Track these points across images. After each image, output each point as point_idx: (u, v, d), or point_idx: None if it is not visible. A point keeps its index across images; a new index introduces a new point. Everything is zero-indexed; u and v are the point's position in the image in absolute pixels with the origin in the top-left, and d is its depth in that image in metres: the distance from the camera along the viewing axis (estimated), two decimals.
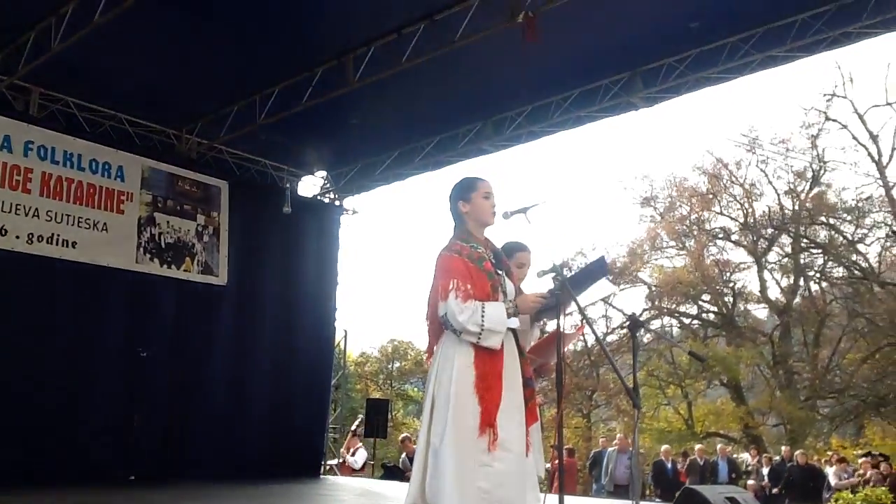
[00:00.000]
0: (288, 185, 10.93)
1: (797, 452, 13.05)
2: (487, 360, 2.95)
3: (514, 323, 3.05)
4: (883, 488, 5.60)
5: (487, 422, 2.88)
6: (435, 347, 3.11)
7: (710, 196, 24.78)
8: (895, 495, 5.77)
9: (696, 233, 24.93)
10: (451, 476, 2.81)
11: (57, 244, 8.40)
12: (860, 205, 22.66)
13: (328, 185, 12.01)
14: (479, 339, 2.93)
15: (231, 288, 10.02)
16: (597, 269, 3.39)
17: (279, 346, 10.39)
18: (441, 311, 2.99)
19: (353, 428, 13.43)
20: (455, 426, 2.86)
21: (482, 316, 2.92)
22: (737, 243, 24.89)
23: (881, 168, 21.71)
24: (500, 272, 3.16)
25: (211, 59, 8.31)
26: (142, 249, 9.21)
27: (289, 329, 10.60)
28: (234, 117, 9.40)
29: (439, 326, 3.06)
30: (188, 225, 9.76)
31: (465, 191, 3.24)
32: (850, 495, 5.05)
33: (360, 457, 12.49)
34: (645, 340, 23.45)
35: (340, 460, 12.33)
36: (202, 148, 9.97)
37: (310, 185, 12.00)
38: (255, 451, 9.80)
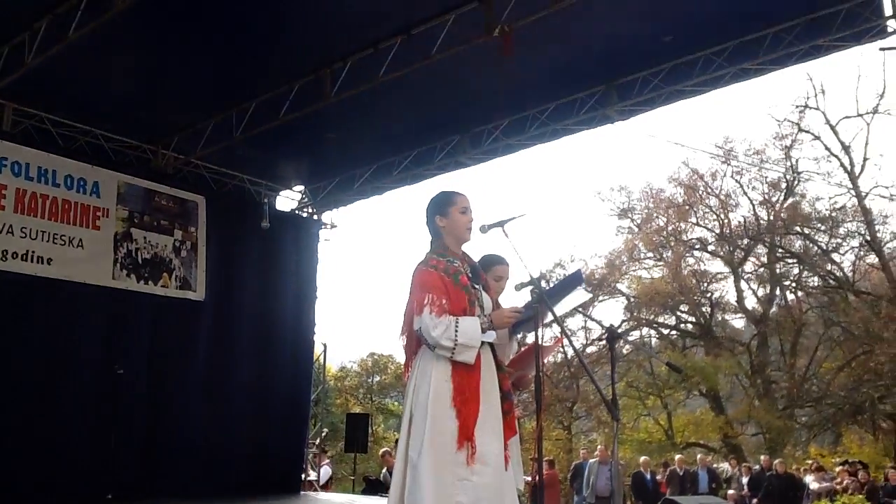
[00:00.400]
0: (266, 200, 10.90)
1: (776, 461, 13.12)
2: (464, 374, 2.95)
3: (490, 337, 3.05)
4: (860, 496, 5.66)
5: (465, 436, 2.87)
6: (412, 362, 3.10)
7: (687, 207, 25.01)
8: (872, 502, 5.84)
9: (673, 244, 25.13)
10: (429, 490, 2.80)
11: (32, 261, 8.30)
12: (834, 215, 22.96)
13: (306, 200, 11.98)
14: (453, 353, 2.93)
15: (209, 303, 9.95)
16: (573, 280, 3.40)
17: (257, 361, 10.32)
18: (416, 326, 3.00)
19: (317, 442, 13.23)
20: (432, 440, 2.85)
21: (455, 331, 2.92)
22: (713, 254, 25.12)
23: (853, 178, 22.01)
24: (476, 286, 3.17)
25: (186, 74, 8.28)
26: (118, 265, 9.13)
27: (267, 344, 10.53)
28: (210, 132, 9.36)
29: (416, 341, 3.06)
30: (165, 240, 9.69)
31: (442, 205, 3.24)
32: (829, 503, 5.07)
33: (324, 473, 12.36)
34: (624, 351, 23.58)
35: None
36: (178, 163, 9.91)
37: (287, 199, 11.99)
38: (233, 467, 9.70)
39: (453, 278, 3.07)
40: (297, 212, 12.02)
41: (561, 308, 3.36)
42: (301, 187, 11.94)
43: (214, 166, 10.35)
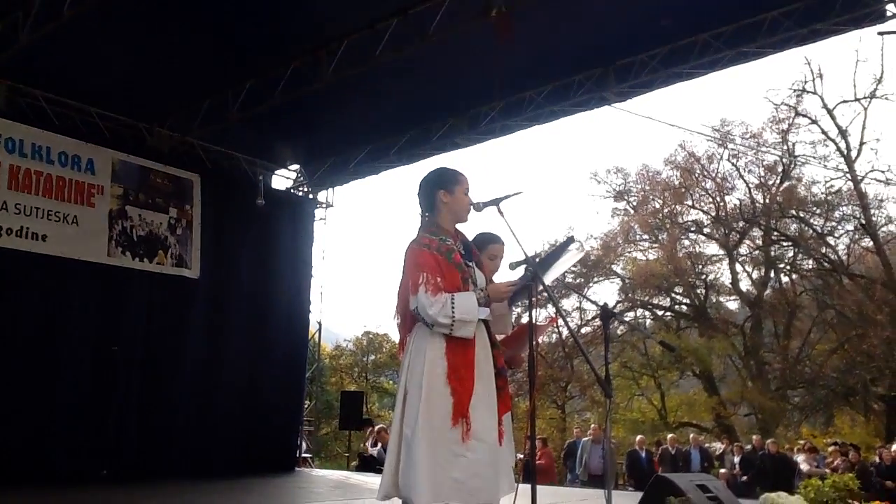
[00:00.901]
0: (262, 178, 10.86)
1: (768, 441, 13.24)
2: (459, 351, 2.97)
3: (484, 313, 3.06)
4: (850, 475, 5.76)
5: (460, 412, 2.89)
6: (407, 340, 3.11)
7: (683, 190, 25.00)
8: (862, 482, 5.95)
9: (668, 226, 25.15)
10: (424, 467, 2.82)
11: (27, 237, 8.31)
12: (829, 198, 22.97)
13: (302, 179, 11.98)
14: (452, 330, 2.93)
15: (204, 281, 9.97)
16: (564, 245, 3.36)
17: (253, 340, 10.36)
18: (412, 305, 2.99)
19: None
20: (428, 417, 2.87)
21: (452, 307, 2.92)
22: (709, 236, 25.15)
23: (850, 162, 22.02)
24: (469, 264, 3.17)
25: (183, 53, 8.23)
26: (113, 242, 9.13)
27: (262, 322, 10.57)
28: (206, 110, 9.34)
29: (410, 319, 3.07)
30: (160, 218, 9.69)
31: (447, 182, 3.20)
32: (819, 482, 5.16)
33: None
34: (619, 332, 23.68)
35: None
36: (174, 141, 9.87)
37: (283, 178, 11.98)
38: (229, 445, 9.77)
39: (446, 256, 3.07)
40: (292, 191, 12.02)
41: (557, 271, 3.35)
42: (297, 167, 11.92)
43: (210, 145, 10.31)
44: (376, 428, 13.34)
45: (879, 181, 21.94)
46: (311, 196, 12.02)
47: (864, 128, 21.83)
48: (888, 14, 8.04)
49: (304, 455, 11.52)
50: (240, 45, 8.21)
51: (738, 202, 24.36)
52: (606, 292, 26.05)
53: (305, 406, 12.04)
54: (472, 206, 3.21)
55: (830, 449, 12.94)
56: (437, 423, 2.87)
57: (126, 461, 8.75)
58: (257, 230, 10.65)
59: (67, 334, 8.57)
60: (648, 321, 26.19)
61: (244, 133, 10.03)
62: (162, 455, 9.12)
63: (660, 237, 25.37)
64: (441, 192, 3.18)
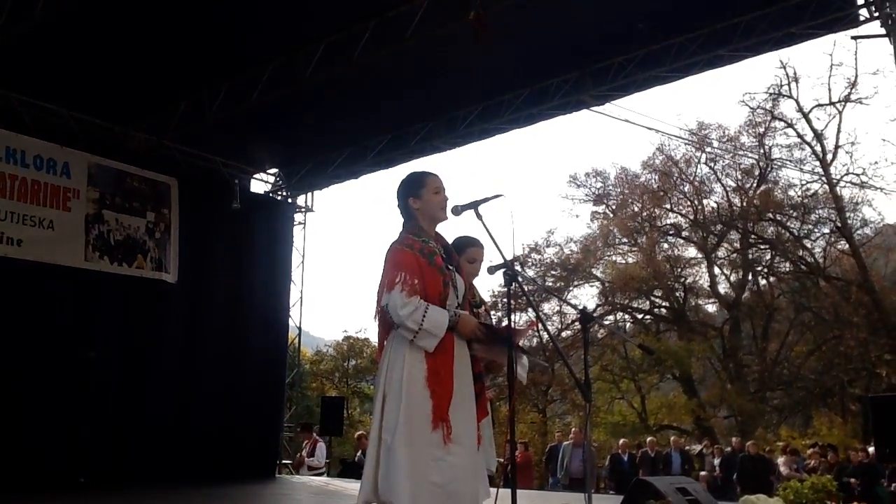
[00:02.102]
0: (237, 181, 10.78)
1: (748, 443, 13.32)
2: (439, 355, 2.94)
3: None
4: (828, 476, 5.80)
5: (440, 416, 2.87)
6: (385, 343, 3.08)
7: (661, 193, 25.15)
8: (840, 482, 6.03)
9: (647, 229, 25.28)
10: (404, 471, 2.79)
11: (2, 242, 8.18)
12: (805, 201, 23.19)
13: (280, 183, 11.92)
14: (415, 337, 2.91)
15: (183, 286, 9.89)
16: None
17: (232, 345, 10.29)
18: (384, 302, 2.97)
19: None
20: (407, 421, 2.85)
21: (423, 316, 2.90)
22: (687, 239, 25.31)
23: (825, 165, 22.23)
24: (450, 267, 3.15)
25: (159, 54, 8.14)
26: (90, 247, 9.03)
27: (241, 327, 10.49)
28: (182, 113, 9.25)
29: (389, 321, 3.05)
30: (138, 222, 9.59)
31: (414, 187, 3.20)
32: (798, 483, 5.20)
33: (320, 453, 12.17)
34: (599, 336, 23.74)
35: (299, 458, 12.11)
36: (150, 144, 9.77)
37: (262, 182, 11.91)
38: (209, 451, 9.66)
39: (428, 258, 3.05)
40: (270, 195, 11.95)
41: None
42: (275, 170, 11.86)
43: (187, 148, 10.22)
44: (356, 434, 13.26)
45: (854, 184, 22.19)
46: (289, 200, 11.96)
47: (839, 131, 22.08)
48: (861, 18, 8.12)
49: (283, 461, 11.43)
50: (216, 47, 8.15)
51: (715, 205, 24.56)
52: (586, 296, 26.09)
53: (286, 412, 11.96)
54: (446, 205, 3.20)
55: (810, 451, 13.03)
56: (417, 427, 2.85)
57: (104, 468, 8.64)
58: (235, 234, 10.58)
59: (43, 340, 8.44)
60: (628, 324, 26.29)
61: (222, 136, 9.96)
62: (140, 462, 9.01)
63: (639, 240, 25.50)
64: (409, 199, 3.19)
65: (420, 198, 3.17)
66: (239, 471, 9.83)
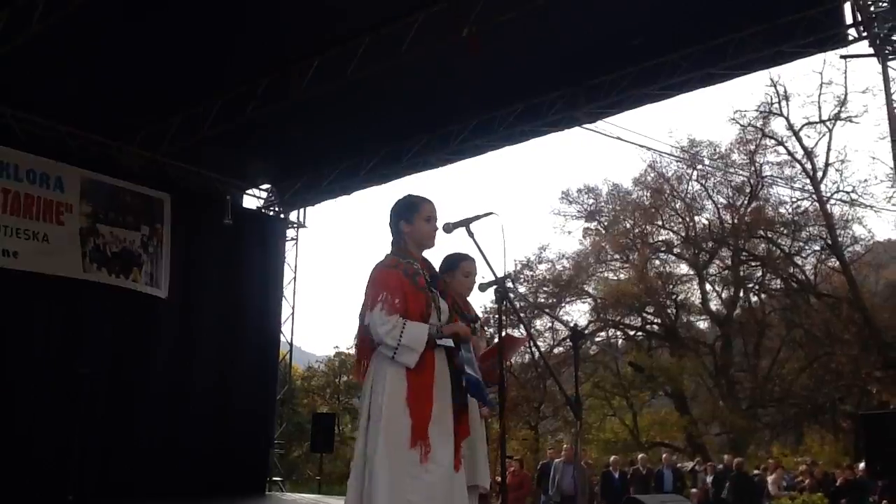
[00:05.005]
0: (229, 197, 10.77)
1: (737, 460, 13.31)
2: (419, 373, 2.96)
3: (448, 342, 3.05)
4: (819, 494, 5.81)
5: (419, 434, 2.89)
6: (367, 361, 3.10)
7: (653, 210, 25.24)
8: (831, 499, 6.03)
9: (639, 246, 25.34)
10: (384, 489, 2.81)
11: None
12: (796, 219, 23.28)
13: (273, 198, 11.92)
14: (395, 353, 2.93)
15: (174, 301, 9.86)
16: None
17: (222, 361, 10.24)
18: (366, 321, 3.01)
19: None
20: (387, 438, 2.86)
21: (401, 332, 2.93)
22: (679, 256, 25.37)
23: (815, 183, 22.33)
24: (433, 290, 3.17)
25: (153, 70, 8.17)
26: (87, 258, 9.01)
27: (232, 342, 10.46)
28: (176, 129, 9.27)
29: (371, 341, 3.05)
30: (133, 235, 9.59)
31: (407, 211, 3.23)
32: (790, 501, 5.19)
33: None
34: (591, 352, 23.72)
35: None
36: (144, 160, 9.77)
37: (254, 198, 11.91)
38: (198, 467, 9.60)
39: (411, 279, 3.08)
40: (263, 210, 11.95)
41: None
42: (268, 186, 11.86)
43: (180, 163, 10.22)
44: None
45: (845, 202, 22.28)
46: (282, 216, 11.96)
47: (829, 149, 22.15)
48: (850, 38, 8.21)
49: (274, 478, 11.36)
50: (210, 63, 8.17)
51: (706, 222, 24.64)
52: (578, 312, 26.11)
53: (277, 428, 11.90)
54: (434, 233, 3.22)
55: (802, 468, 13.04)
56: (396, 445, 2.87)
57: (93, 485, 8.55)
58: (227, 250, 10.56)
59: (35, 353, 8.43)
60: (620, 341, 26.29)
61: (215, 152, 9.97)
62: (130, 478, 8.94)
63: (631, 257, 25.55)
64: (401, 222, 3.22)
65: (411, 223, 3.20)
66: (229, 487, 9.77)
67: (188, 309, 10.03)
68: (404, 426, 2.88)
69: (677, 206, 25.04)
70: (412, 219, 3.20)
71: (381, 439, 2.86)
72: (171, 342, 9.76)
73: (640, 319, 25.76)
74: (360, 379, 3.16)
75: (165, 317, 9.78)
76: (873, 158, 29.31)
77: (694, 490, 12.73)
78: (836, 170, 22.95)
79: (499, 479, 4.46)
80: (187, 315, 10.01)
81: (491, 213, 3.21)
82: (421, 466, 2.86)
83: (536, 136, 10.04)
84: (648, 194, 25.42)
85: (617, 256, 25.95)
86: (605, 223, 26.15)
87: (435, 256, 3.97)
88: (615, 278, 25.88)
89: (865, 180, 25.37)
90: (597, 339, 24.97)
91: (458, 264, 3.91)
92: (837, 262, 22.35)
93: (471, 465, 3.74)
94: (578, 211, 26.02)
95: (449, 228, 3.18)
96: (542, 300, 24.49)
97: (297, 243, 12.19)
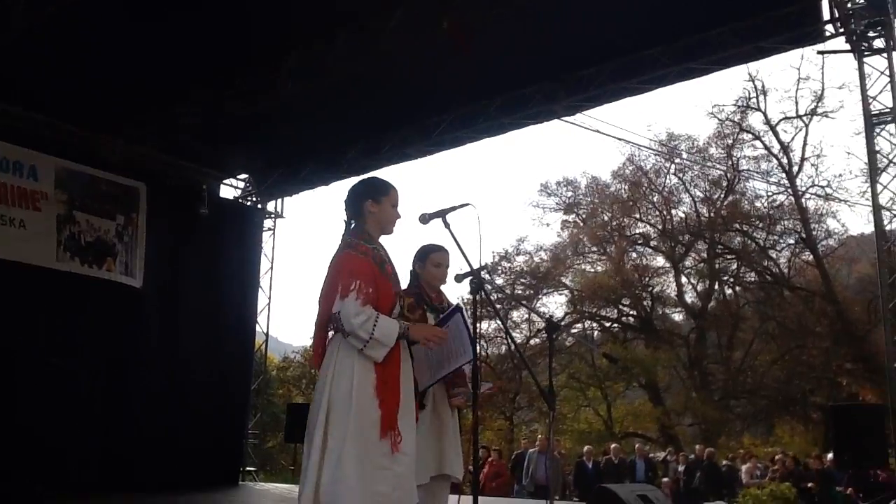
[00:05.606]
0: (205, 187, 10.69)
1: (708, 450, 13.50)
2: (387, 365, 2.93)
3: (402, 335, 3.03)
4: (787, 483, 5.93)
5: (389, 425, 2.87)
6: (325, 349, 3.03)
7: (631, 203, 25.40)
8: (798, 489, 6.19)
9: (616, 238, 25.52)
10: (352, 481, 2.77)
11: None
12: (772, 213, 23.55)
13: (250, 188, 11.86)
14: (365, 346, 2.88)
15: (149, 291, 9.79)
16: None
17: (197, 351, 10.17)
18: (336, 308, 2.93)
19: None
20: (357, 430, 2.83)
21: (374, 326, 2.87)
22: (655, 249, 25.57)
23: (791, 177, 22.60)
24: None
25: (131, 60, 8.07)
26: (62, 247, 8.93)
27: (207, 333, 10.39)
28: (154, 118, 9.19)
29: (339, 329, 2.98)
30: (108, 224, 9.50)
31: (377, 192, 3.16)
32: (758, 491, 5.29)
33: None
34: (567, 344, 23.88)
35: None
36: (120, 148, 9.66)
37: (231, 188, 11.84)
38: (171, 459, 9.50)
39: (380, 267, 3.03)
40: (240, 200, 11.89)
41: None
42: (245, 176, 11.80)
43: (157, 153, 10.12)
44: None
45: (819, 196, 22.57)
46: (259, 206, 11.90)
47: (805, 144, 22.43)
48: (827, 34, 8.30)
49: (247, 468, 11.35)
50: (189, 54, 8.09)
51: (683, 215, 24.86)
52: (555, 304, 26.22)
53: (251, 419, 11.88)
54: (396, 220, 3.18)
55: (777, 457, 13.28)
56: (365, 436, 2.84)
57: (63, 477, 8.47)
58: (203, 240, 10.50)
59: (11, 342, 8.30)
60: (596, 333, 26.50)
61: (192, 141, 9.89)
62: (102, 469, 8.87)
63: (608, 249, 25.72)
64: (369, 201, 3.13)
65: (379, 204, 3.14)
66: (203, 478, 9.71)
67: (163, 299, 9.96)
68: (373, 417, 2.85)
69: (655, 199, 25.23)
70: (380, 200, 3.14)
71: (351, 432, 2.81)
72: (146, 333, 9.69)
73: (616, 311, 25.96)
74: (318, 367, 3.08)
75: (140, 306, 9.70)
76: (848, 154, 29.72)
77: (665, 479, 12.88)
78: (812, 164, 23.21)
79: (472, 469, 4.52)
80: (162, 305, 9.94)
81: (468, 205, 3.21)
82: (391, 457, 2.85)
83: (516, 129, 10.06)
84: (626, 187, 25.59)
85: (594, 249, 26.11)
86: (584, 216, 26.28)
87: (409, 248, 4.00)
88: (592, 270, 26.07)
89: (840, 175, 25.67)
90: (573, 331, 25.15)
91: (429, 255, 3.92)
92: (811, 256, 22.67)
93: (439, 455, 3.77)
94: (557, 203, 26.15)
95: (425, 219, 3.17)
96: (520, 292, 24.59)
97: (274, 234, 12.16)
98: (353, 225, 3.16)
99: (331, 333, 3.05)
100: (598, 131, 10.65)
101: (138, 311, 9.67)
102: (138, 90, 8.79)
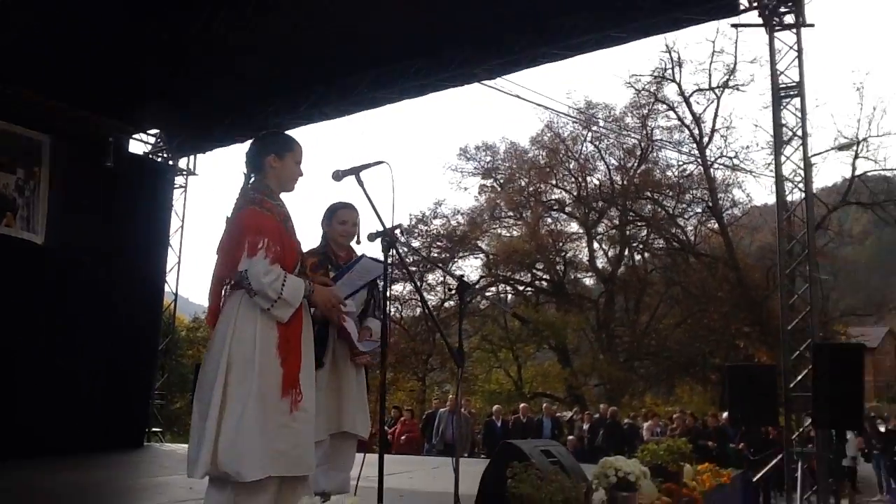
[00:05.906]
0: (111, 140, 10.29)
1: (611, 409, 14.04)
2: (290, 322, 2.91)
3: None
4: (683, 439, 6.23)
5: (291, 383, 2.85)
6: (227, 307, 2.95)
7: (548, 169, 25.78)
8: (694, 445, 6.53)
9: (532, 204, 25.89)
10: (255, 439, 2.75)
11: None
12: (681, 182, 24.31)
13: (161, 144, 11.50)
14: (272, 306, 2.83)
15: (53, 247, 9.41)
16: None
17: (102, 310, 9.85)
18: (243, 267, 2.84)
19: None
20: (260, 388, 2.80)
21: (283, 285, 2.83)
22: (570, 215, 26.11)
23: (701, 148, 23.36)
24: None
25: (40, 11, 7.66)
26: None
27: (113, 291, 10.06)
28: (58, 66, 8.75)
29: (233, 284, 2.93)
30: (7, 178, 9.08)
31: (281, 147, 3.08)
32: (656, 446, 5.55)
33: None
34: (481, 307, 24.23)
35: None
36: (21, 97, 9.17)
37: (141, 143, 11.45)
38: (75, 420, 9.23)
39: (284, 224, 2.99)
40: (150, 156, 11.52)
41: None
42: (156, 132, 11.43)
43: (62, 103, 9.65)
44: None
45: (727, 167, 23.41)
46: (170, 162, 11.57)
47: (716, 115, 23.17)
48: (741, 7, 8.53)
49: (153, 429, 11.18)
50: (101, 5, 7.73)
51: (598, 182, 25.41)
52: (471, 267, 26.54)
53: (158, 379, 11.67)
54: (298, 178, 3.12)
55: (676, 415, 13.90)
56: (267, 395, 2.81)
57: None
58: (111, 196, 10.12)
59: None
60: (510, 296, 26.96)
61: (100, 93, 9.49)
62: (2, 432, 8.56)
63: (524, 214, 26.10)
64: (272, 156, 3.04)
65: (282, 159, 3.05)
66: (107, 439, 9.48)
67: (67, 255, 9.57)
68: (275, 375, 2.82)
69: (571, 166, 25.69)
70: (284, 155, 3.06)
71: (254, 390, 2.78)
72: (48, 290, 9.31)
73: (529, 275, 26.44)
74: (212, 325, 3.00)
75: (43, 263, 9.33)
76: (756, 126, 30.83)
77: (571, 437, 13.32)
78: (721, 136, 24.06)
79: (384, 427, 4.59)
80: (66, 262, 9.56)
81: (382, 162, 3.18)
82: (290, 416, 2.83)
83: (435, 91, 10.03)
84: (544, 153, 25.95)
85: (511, 213, 26.45)
86: (501, 181, 26.55)
87: (319, 206, 3.98)
88: (508, 235, 26.43)
89: (747, 147, 26.76)
90: (487, 294, 25.51)
91: (335, 212, 3.91)
92: (717, 224, 23.54)
93: (338, 413, 3.81)
94: (475, 168, 26.34)
95: (338, 176, 3.12)
96: (436, 255, 24.76)
97: (185, 191, 11.85)
98: (252, 179, 3.08)
99: (226, 290, 2.98)
100: (517, 96, 10.78)
101: (40, 268, 9.30)
102: (46, 40, 8.35)
